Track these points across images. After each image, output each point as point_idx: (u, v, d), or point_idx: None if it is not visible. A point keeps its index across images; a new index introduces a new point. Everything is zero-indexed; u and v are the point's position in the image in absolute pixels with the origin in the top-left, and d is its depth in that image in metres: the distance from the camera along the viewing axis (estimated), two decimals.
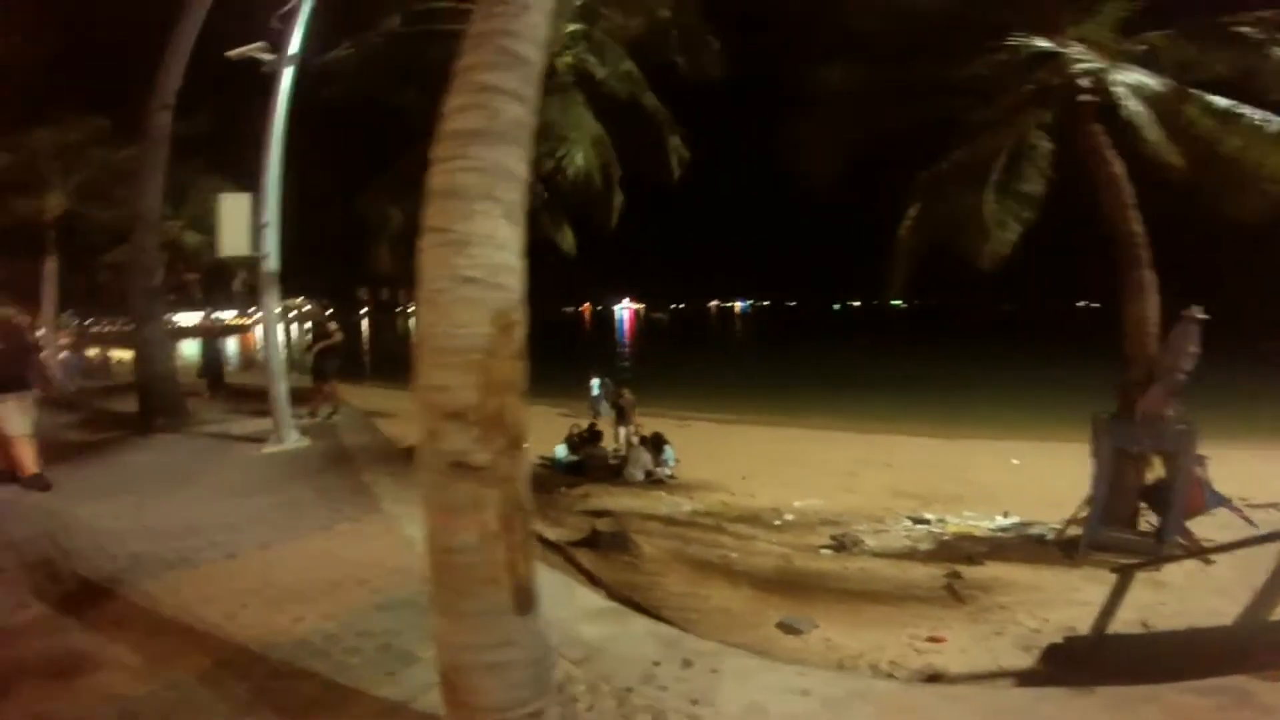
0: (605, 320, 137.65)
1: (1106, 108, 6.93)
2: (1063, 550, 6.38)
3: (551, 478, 11.64)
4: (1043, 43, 6.97)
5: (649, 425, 14.21)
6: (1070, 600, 4.95)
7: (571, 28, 9.72)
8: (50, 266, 14.36)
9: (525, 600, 1.87)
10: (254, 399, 11.24)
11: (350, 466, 6.00)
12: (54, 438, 7.92)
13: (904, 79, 7.74)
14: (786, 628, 4.28)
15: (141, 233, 8.36)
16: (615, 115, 10.25)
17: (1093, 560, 5.91)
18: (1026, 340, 46.78)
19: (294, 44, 6.80)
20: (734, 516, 8.82)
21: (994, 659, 3.97)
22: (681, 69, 9.89)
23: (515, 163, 1.87)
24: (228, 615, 2.99)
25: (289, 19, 6.74)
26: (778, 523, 8.65)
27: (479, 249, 1.77)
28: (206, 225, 16.93)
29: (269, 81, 6.84)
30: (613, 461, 12.49)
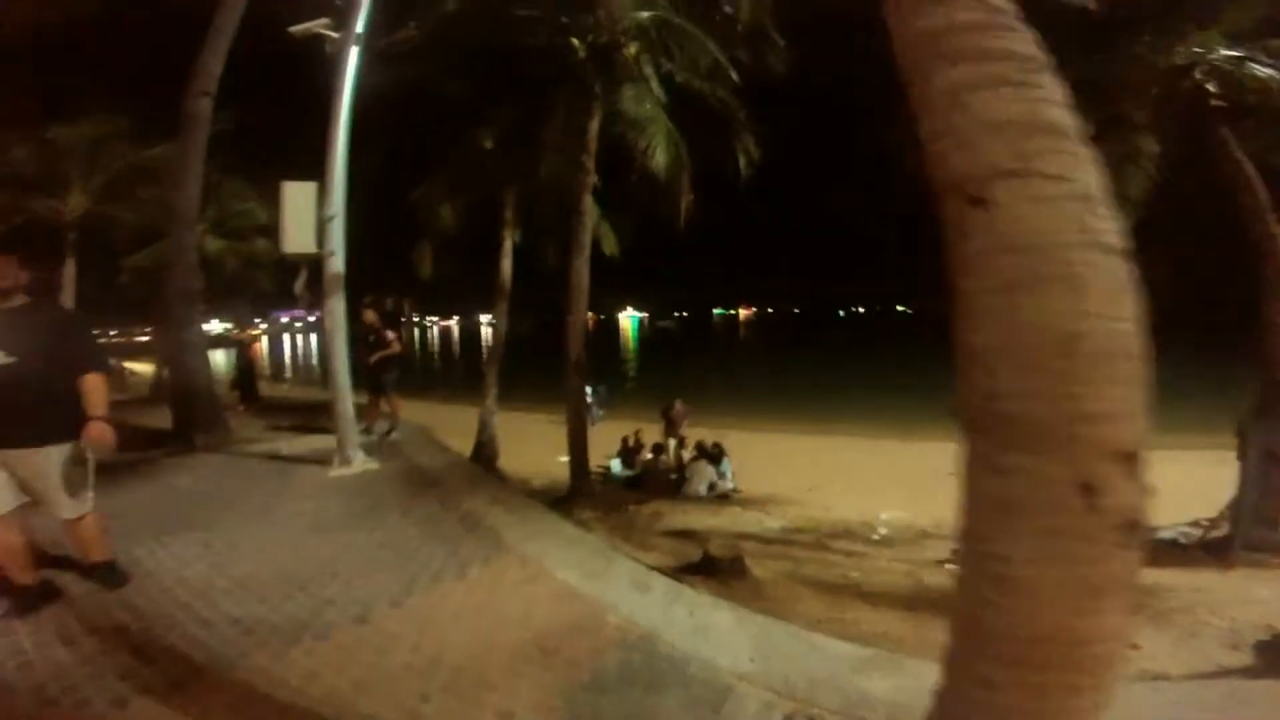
0: (608, 328, 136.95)
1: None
2: (1208, 553, 6.48)
3: (612, 493, 10.88)
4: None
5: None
6: (1248, 600, 5.04)
7: (644, 15, 8.99)
8: (68, 270, 13.53)
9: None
10: (292, 413, 10.43)
11: (442, 492, 5.16)
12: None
13: None
14: None
15: (179, 230, 7.54)
16: (683, 109, 9.54)
17: (1246, 561, 6.13)
18: None
19: (360, 20, 6.02)
20: (826, 532, 8.27)
21: (1207, 659, 3.93)
22: (743, 64, 9.19)
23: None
24: (411, 715, 2.16)
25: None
26: (876, 538, 8.17)
27: (1106, 208, 1.16)
28: (226, 229, 16.26)
29: (303, 69, 6.11)
30: (673, 476, 11.76)
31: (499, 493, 5.26)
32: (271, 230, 16.63)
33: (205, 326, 10.03)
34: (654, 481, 11.47)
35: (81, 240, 13.89)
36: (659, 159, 8.33)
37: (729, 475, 11.30)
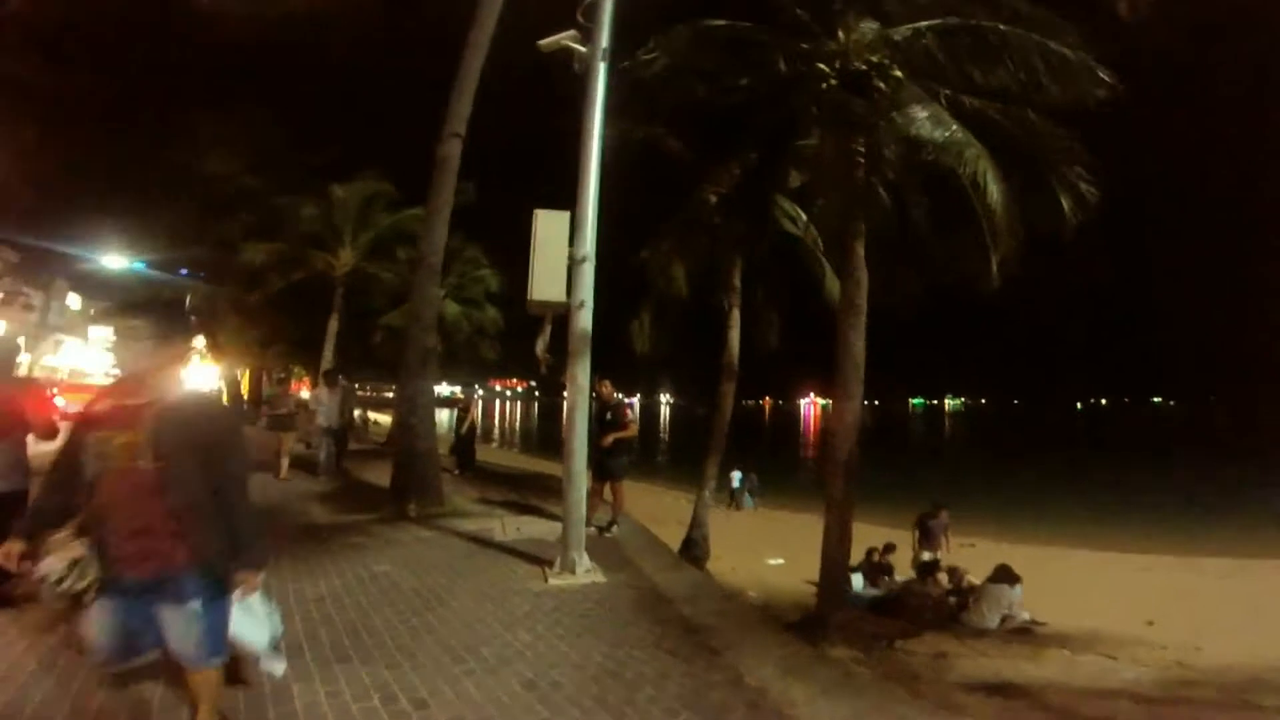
0: (788, 415, 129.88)
1: None
2: None
3: (857, 619, 8.35)
4: None
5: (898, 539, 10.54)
6: None
7: (922, 25, 7.24)
8: (333, 325, 14.95)
9: None
10: (504, 484, 9.71)
11: (702, 641, 3.43)
12: (301, 513, 6.80)
13: None
14: None
15: (424, 278, 7.24)
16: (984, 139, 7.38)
17: None
18: None
19: (605, 33, 5.11)
20: (1228, 683, 5.70)
21: None
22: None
23: None
24: None
25: (594, 12, 5.12)
26: None
27: None
28: (462, 296, 17.28)
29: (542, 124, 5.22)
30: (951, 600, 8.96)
31: (789, 648, 3.38)
32: (501, 298, 17.48)
33: (436, 388, 9.81)
34: (913, 607, 8.73)
35: (347, 297, 15.43)
36: (992, 193, 6.24)
37: (1018, 601, 8.30)
